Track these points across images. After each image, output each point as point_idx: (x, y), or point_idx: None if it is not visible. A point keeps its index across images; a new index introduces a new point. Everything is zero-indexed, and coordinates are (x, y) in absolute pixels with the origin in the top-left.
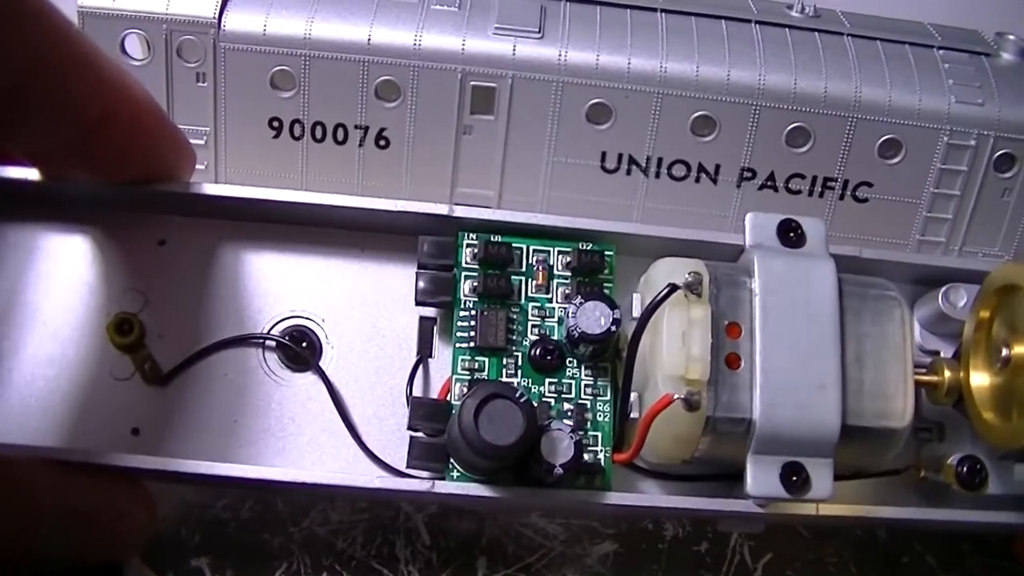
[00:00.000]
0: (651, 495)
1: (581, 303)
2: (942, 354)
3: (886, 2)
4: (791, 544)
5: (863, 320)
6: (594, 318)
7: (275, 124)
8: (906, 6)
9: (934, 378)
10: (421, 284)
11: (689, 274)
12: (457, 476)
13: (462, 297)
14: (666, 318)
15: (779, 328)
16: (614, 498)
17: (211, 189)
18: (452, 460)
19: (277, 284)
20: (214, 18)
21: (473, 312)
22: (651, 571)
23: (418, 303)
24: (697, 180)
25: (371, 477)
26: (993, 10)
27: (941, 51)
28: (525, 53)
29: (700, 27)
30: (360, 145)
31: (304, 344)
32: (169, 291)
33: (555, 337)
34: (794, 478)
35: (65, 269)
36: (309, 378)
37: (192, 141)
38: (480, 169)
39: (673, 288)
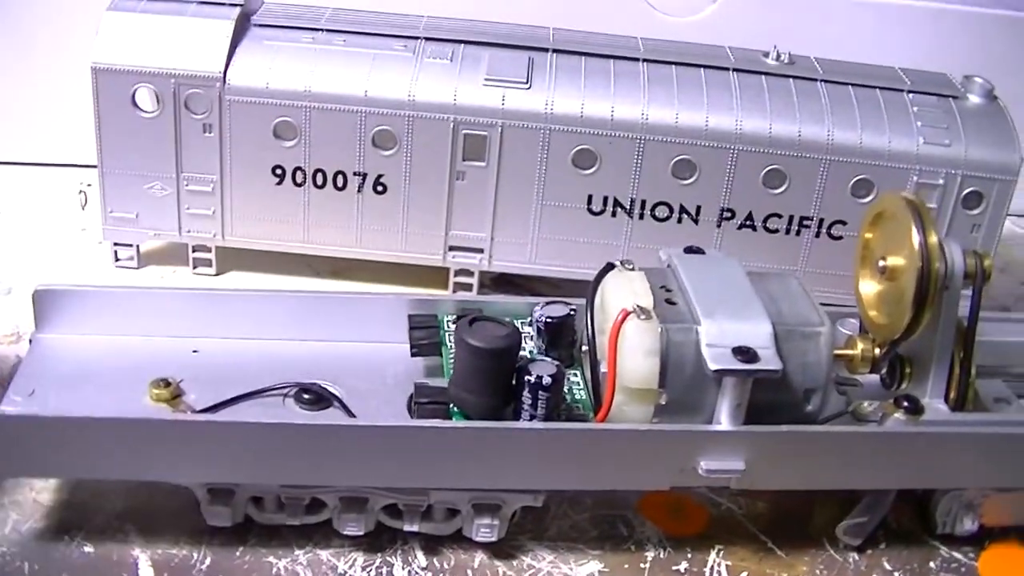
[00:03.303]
0: (636, 423)
1: (546, 304)
2: None
3: (858, 47)
4: (767, 563)
5: (769, 284)
6: (555, 310)
7: (278, 171)
8: (878, 51)
9: (850, 351)
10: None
11: (624, 262)
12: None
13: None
14: (610, 288)
15: (700, 281)
16: (603, 427)
17: None
18: (455, 407)
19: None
20: (220, 73)
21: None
22: None
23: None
24: (679, 221)
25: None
26: (961, 53)
27: (911, 94)
28: (514, 103)
29: (680, 75)
30: (359, 191)
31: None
32: None
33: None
34: (743, 356)
35: None
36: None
37: (199, 188)
38: (473, 213)
39: (610, 265)
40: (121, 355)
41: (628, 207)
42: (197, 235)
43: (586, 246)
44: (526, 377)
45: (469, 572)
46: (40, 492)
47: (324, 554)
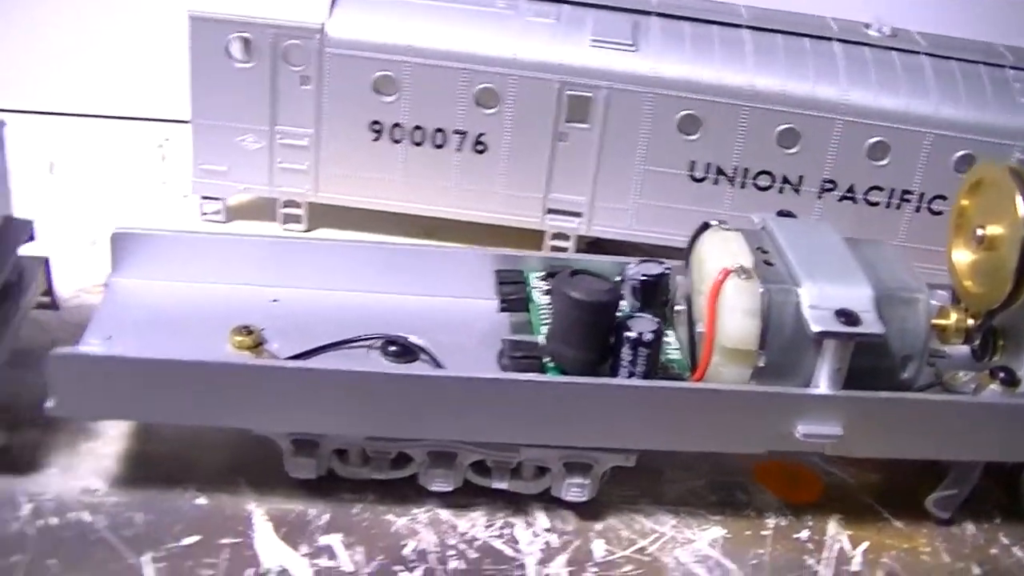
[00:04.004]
0: (734, 384)
1: (639, 262)
2: None
3: (957, 22)
4: (886, 534)
5: (864, 250)
6: (650, 268)
7: (375, 127)
8: (975, 27)
9: (944, 321)
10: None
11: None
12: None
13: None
14: (707, 247)
15: (797, 244)
16: (703, 386)
17: None
18: (551, 361)
19: None
20: (321, 24)
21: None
22: (757, 555)
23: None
24: (780, 190)
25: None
26: None
27: (1012, 70)
28: (621, 65)
29: (785, 44)
30: (458, 149)
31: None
32: None
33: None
34: (845, 319)
35: None
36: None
37: (293, 142)
38: (573, 176)
39: (706, 224)
40: (199, 302)
41: (731, 175)
42: (288, 190)
43: (686, 213)
44: (626, 333)
45: (591, 535)
46: (148, 443)
47: (444, 513)
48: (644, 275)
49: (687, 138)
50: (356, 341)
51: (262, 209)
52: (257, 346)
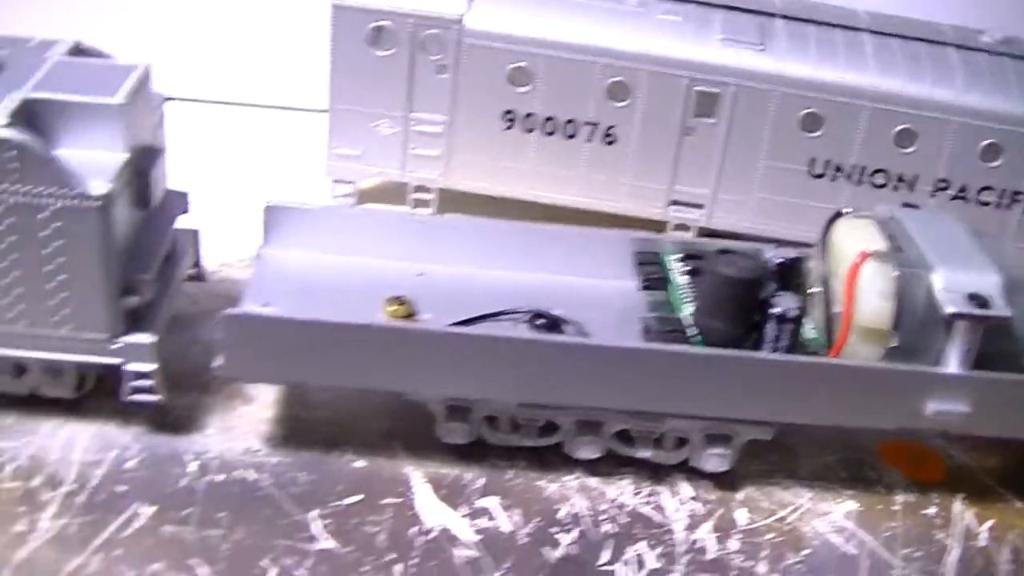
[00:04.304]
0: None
1: (776, 246)
2: None
3: None
4: (1010, 513)
5: (984, 241)
6: (786, 252)
7: (508, 117)
8: None
9: None
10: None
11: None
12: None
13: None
14: (842, 233)
15: (925, 232)
16: (844, 363)
17: None
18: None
19: None
20: (460, 16)
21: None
22: (890, 528)
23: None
24: (895, 188)
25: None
26: None
27: None
28: (748, 63)
29: (903, 48)
30: (588, 141)
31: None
32: None
33: None
34: (976, 302)
35: None
36: None
37: (427, 129)
38: (698, 169)
39: (839, 212)
40: (347, 274)
41: (848, 172)
42: (420, 175)
43: (804, 208)
44: (771, 310)
45: (733, 504)
46: (302, 408)
47: (592, 480)
48: (782, 258)
49: (808, 135)
50: (505, 314)
51: (392, 194)
52: (409, 316)
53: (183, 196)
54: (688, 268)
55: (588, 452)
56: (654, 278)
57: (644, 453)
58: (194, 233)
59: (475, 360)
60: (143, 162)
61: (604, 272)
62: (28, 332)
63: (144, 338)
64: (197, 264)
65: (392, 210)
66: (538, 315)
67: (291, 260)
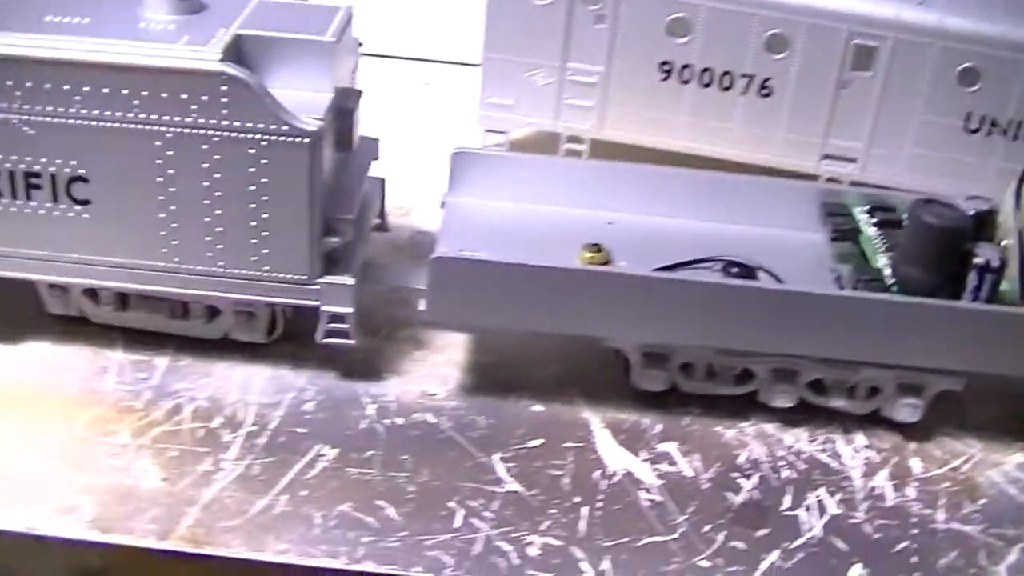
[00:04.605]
0: None
1: (968, 198)
2: None
3: None
4: None
5: None
6: (979, 203)
7: (665, 68)
8: None
9: None
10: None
11: None
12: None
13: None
14: None
15: None
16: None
17: None
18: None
19: None
20: None
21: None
22: None
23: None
24: None
25: None
26: None
27: None
28: (907, 17)
29: None
30: (743, 93)
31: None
32: None
33: None
34: None
35: None
36: None
37: (582, 79)
38: (853, 122)
39: None
40: (536, 222)
41: (1004, 127)
42: (574, 126)
43: (958, 163)
44: (974, 260)
45: (907, 453)
46: (478, 354)
47: (769, 427)
48: (975, 210)
49: (966, 90)
50: (700, 262)
51: (542, 143)
52: (606, 263)
53: (375, 142)
54: (877, 220)
55: (782, 401)
56: (844, 229)
57: (837, 403)
58: (381, 182)
59: (678, 306)
60: (345, 103)
61: (792, 223)
62: (226, 273)
63: (343, 280)
64: (382, 213)
65: (579, 159)
66: (733, 263)
67: (477, 208)
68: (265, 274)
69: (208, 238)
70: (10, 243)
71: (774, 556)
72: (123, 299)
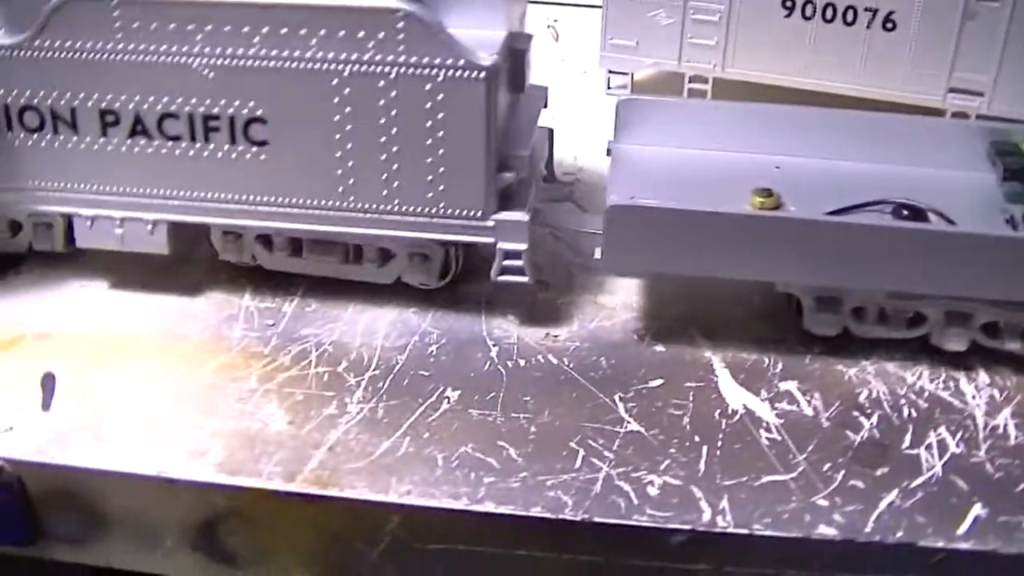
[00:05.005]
0: None
1: None
2: None
3: None
4: None
5: None
6: None
7: (788, 4)
8: None
9: None
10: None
11: None
12: None
13: None
14: None
15: None
16: None
17: None
18: None
19: None
20: None
21: None
22: None
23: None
24: None
25: None
26: None
27: None
28: None
29: None
30: (867, 27)
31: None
32: None
33: None
34: None
35: None
36: None
37: (705, 18)
38: (980, 55)
39: None
40: (703, 166)
41: None
42: (697, 65)
43: None
44: None
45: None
46: (598, 294)
47: (890, 365)
48: None
49: None
50: (870, 205)
51: (666, 84)
52: (777, 208)
53: (544, 90)
54: None
55: (956, 344)
56: (1015, 168)
57: (1012, 345)
58: (549, 132)
59: (851, 250)
60: (517, 44)
61: (961, 163)
62: (401, 212)
63: (517, 216)
64: (550, 163)
65: (744, 103)
66: (904, 206)
67: (644, 155)
68: (440, 211)
69: (384, 176)
70: (189, 187)
71: (893, 495)
72: (296, 245)
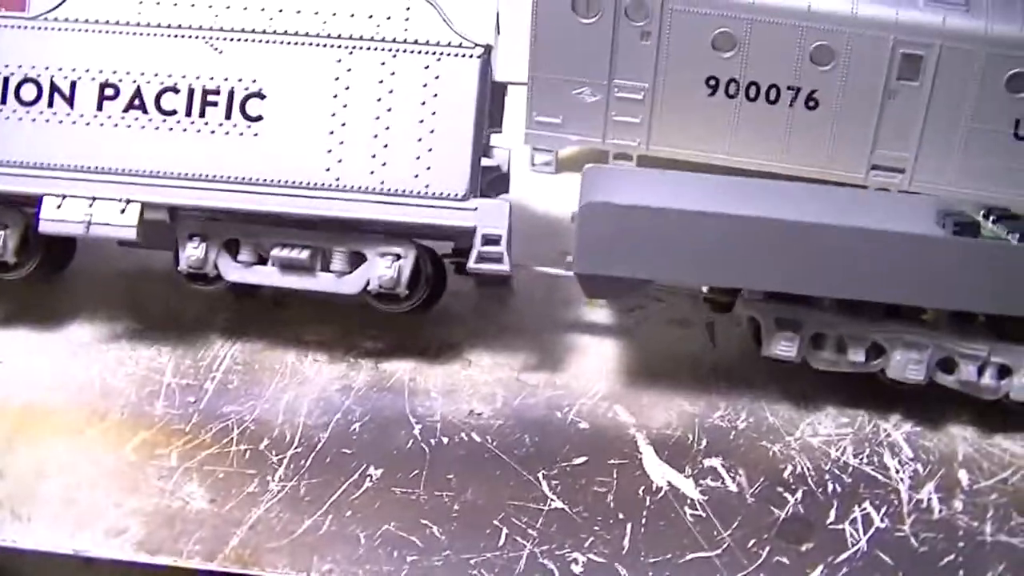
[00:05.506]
0: None
1: None
2: None
3: None
4: None
5: None
6: None
7: (711, 83)
8: None
9: None
10: None
11: None
12: None
13: None
14: None
15: None
16: None
17: None
18: None
19: None
20: None
21: None
22: None
23: None
24: None
25: None
26: None
27: None
28: (954, 24)
29: None
30: (790, 105)
31: None
32: None
33: None
34: None
35: None
36: None
37: (629, 96)
38: (900, 133)
39: None
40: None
41: None
42: (621, 143)
43: (1007, 172)
44: None
45: (955, 464)
46: (520, 372)
47: (814, 441)
48: None
49: (1014, 96)
50: None
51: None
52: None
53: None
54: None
55: (915, 374)
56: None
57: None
58: None
59: (829, 253)
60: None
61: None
62: (385, 192)
63: (498, 201)
64: None
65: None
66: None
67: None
68: (424, 192)
69: (372, 156)
70: (170, 166)
71: (819, 571)
72: (261, 256)
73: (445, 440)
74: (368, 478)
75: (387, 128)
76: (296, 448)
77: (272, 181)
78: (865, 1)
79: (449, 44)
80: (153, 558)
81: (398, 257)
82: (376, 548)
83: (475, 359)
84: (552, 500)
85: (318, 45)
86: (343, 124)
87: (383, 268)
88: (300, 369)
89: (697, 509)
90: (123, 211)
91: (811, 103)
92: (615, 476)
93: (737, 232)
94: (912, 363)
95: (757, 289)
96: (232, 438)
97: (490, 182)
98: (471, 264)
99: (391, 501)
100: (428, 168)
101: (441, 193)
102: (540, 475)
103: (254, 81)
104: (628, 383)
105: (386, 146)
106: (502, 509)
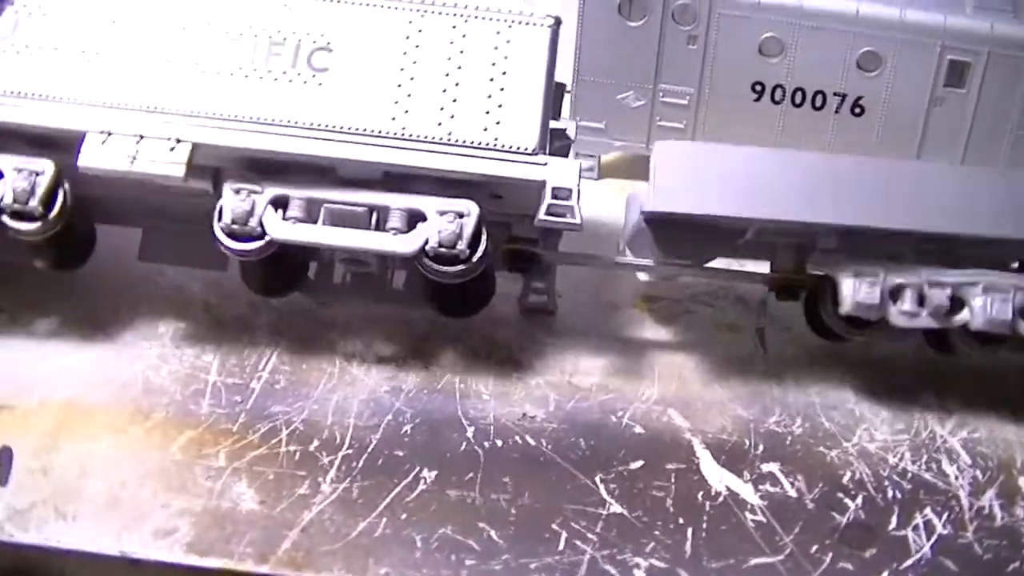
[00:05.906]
0: None
1: None
2: None
3: None
4: None
5: None
6: None
7: (757, 88)
8: None
9: None
10: None
11: None
12: None
13: None
14: None
15: None
16: None
17: None
18: None
19: None
20: None
21: None
22: None
23: None
24: None
25: None
26: None
27: None
28: (1001, 30)
29: None
30: (836, 112)
31: None
32: None
33: None
34: None
35: None
36: None
37: (675, 101)
38: (945, 140)
39: None
40: None
41: None
42: None
43: None
44: None
45: (1015, 471)
46: (573, 376)
47: (871, 447)
48: None
49: None
50: None
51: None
52: None
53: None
54: None
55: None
56: None
57: None
58: None
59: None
60: None
61: None
62: (453, 143)
63: (568, 160)
64: None
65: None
66: None
67: None
68: (493, 145)
69: (441, 108)
70: (226, 109)
71: None
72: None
73: (499, 443)
74: (422, 480)
75: (456, 84)
76: (347, 450)
77: (334, 127)
78: (913, 7)
79: (521, 13)
80: (204, 560)
81: (460, 216)
82: (433, 552)
83: (525, 361)
84: (611, 504)
85: (390, 7)
86: (411, 78)
87: (444, 223)
88: (348, 370)
89: (757, 514)
90: (172, 149)
91: (857, 109)
92: (673, 480)
93: (817, 170)
94: (998, 303)
95: (832, 224)
96: (281, 439)
97: (553, 151)
98: (540, 216)
99: (446, 504)
100: (498, 123)
101: (511, 146)
102: (597, 479)
103: (322, 35)
104: (680, 388)
105: (455, 100)
106: (560, 513)
